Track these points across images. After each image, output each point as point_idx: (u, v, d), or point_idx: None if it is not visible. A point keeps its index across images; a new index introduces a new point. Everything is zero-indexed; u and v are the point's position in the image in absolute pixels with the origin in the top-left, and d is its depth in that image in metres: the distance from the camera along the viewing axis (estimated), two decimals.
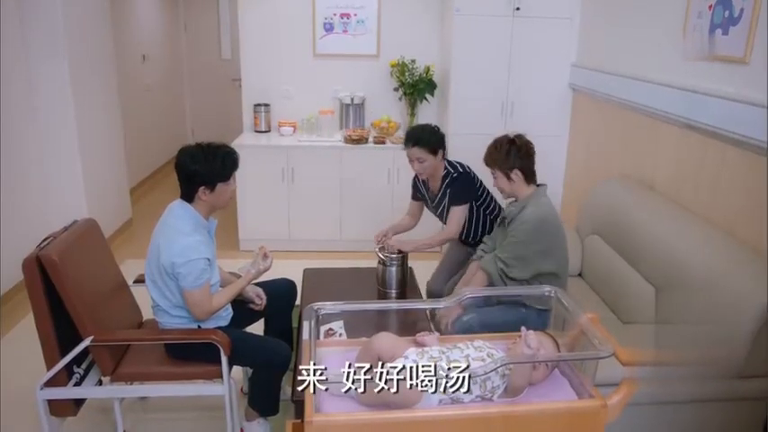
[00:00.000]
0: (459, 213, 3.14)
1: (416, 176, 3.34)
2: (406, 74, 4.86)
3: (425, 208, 3.43)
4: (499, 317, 2.61)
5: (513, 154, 2.61)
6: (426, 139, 3.10)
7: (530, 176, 2.65)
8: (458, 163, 3.22)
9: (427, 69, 4.88)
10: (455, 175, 3.16)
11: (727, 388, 2.29)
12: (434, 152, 3.09)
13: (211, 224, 2.56)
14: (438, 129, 3.18)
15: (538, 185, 2.68)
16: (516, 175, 2.63)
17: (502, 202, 3.03)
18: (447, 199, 3.18)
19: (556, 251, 2.63)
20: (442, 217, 3.27)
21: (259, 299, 2.75)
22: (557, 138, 4.66)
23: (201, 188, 2.38)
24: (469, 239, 3.27)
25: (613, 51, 3.87)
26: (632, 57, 3.59)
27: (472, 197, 3.17)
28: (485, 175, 2.99)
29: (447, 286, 3.24)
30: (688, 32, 2.97)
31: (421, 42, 4.97)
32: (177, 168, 2.39)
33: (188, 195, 2.42)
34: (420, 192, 3.38)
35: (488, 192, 3.24)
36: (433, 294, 3.38)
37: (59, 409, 2.51)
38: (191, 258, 2.32)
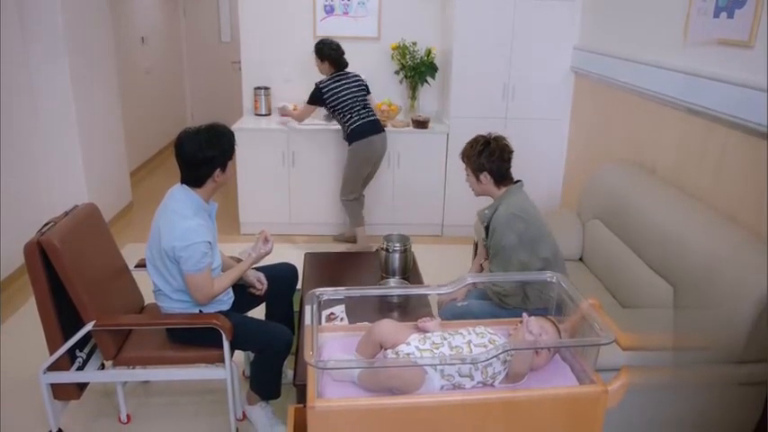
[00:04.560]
0: (301, 107, 4.47)
1: None
2: (408, 56, 4.83)
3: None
4: (492, 312, 2.60)
5: (485, 156, 2.56)
6: (318, 47, 4.26)
7: (500, 180, 2.60)
8: (335, 75, 4.26)
9: (428, 52, 4.84)
10: (317, 81, 4.28)
11: (727, 373, 2.30)
12: (320, 59, 4.26)
13: (212, 207, 2.55)
14: (332, 46, 4.25)
15: (515, 182, 2.63)
16: (485, 177, 2.59)
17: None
18: None
19: (536, 243, 2.53)
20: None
21: (260, 283, 2.75)
22: (558, 121, 4.64)
23: (217, 171, 2.39)
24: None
25: (616, 34, 3.84)
26: (635, 40, 3.56)
27: (316, 102, 4.30)
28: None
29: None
30: (692, 15, 2.94)
31: (422, 25, 4.93)
32: (186, 157, 2.36)
33: (198, 180, 2.41)
34: None
35: (346, 108, 4.24)
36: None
37: (62, 392, 2.53)
38: (192, 242, 2.32)
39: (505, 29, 4.41)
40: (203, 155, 2.35)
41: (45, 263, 2.31)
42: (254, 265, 2.68)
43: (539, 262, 2.53)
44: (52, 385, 2.49)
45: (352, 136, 4.27)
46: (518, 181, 2.65)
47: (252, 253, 2.62)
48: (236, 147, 2.47)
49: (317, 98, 4.27)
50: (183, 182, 2.44)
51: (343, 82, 4.26)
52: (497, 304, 2.60)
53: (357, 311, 2.67)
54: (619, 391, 1.64)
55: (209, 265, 2.41)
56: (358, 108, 4.27)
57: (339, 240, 4.76)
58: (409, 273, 3.13)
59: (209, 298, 2.46)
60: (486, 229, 2.66)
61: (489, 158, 2.56)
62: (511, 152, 2.61)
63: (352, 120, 4.25)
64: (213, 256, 2.46)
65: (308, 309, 1.77)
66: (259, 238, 2.64)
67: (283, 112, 4.71)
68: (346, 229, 4.74)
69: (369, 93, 4.36)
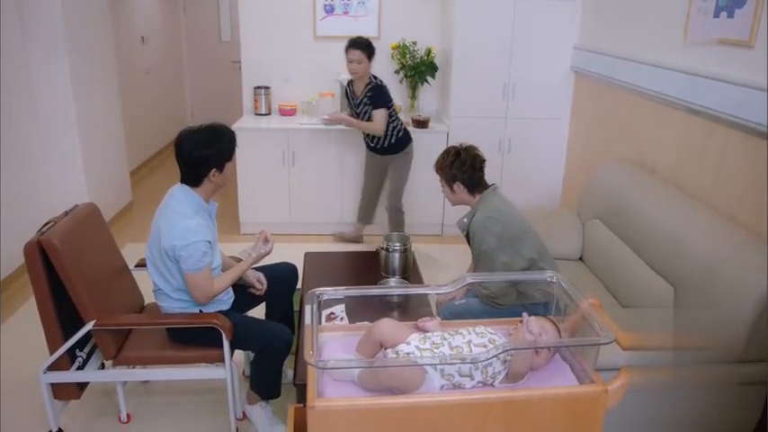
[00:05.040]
0: (380, 114, 4.02)
1: (347, 85, 4.24)
2: (407, 56, 4.83)
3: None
4: (490, 311, 2.61)
5: (457, 166, 2.63)
6: (365, 45, 3.92)
7: (474, 188, 2.67)
8: (378, 78, 4.08)
9: (428, 52, 4.84)
10: (377, 83, 4.02)
11: (726, 372, 2.30)
12: (369, 57, 3.95)
13: (212, 207, 2.56)
14: (371, 42, 4.00)
15: (491, 185, 2.68)
16: (458, 187, 2.66)
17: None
18: (369, 102, 4.02)
19: (517, 243, 2.57)
20: (359, 118, 4.16)
21: (260, 284, 2.75)
22: (558, 121, 4.64)
23: (213, 171, 2.39)
24: (377, 146, 4.22)
25: (616, 34, 3.84)
26: (635, 40, 3.56)
27: (387, 103, 4.02)
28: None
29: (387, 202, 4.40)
30: (692, 15, 2.93)
31: (422, 24, 4.93)
32: (184, 156, 2.37)
33: (196, 179, 2.41)
34: (348, 96, 4.28)
35: (395, 111, 4.13)
36: (366, 198, 4.53)
37: (63, 392, 2.53)
38: (192, 241, 2.32)
39: (505, 29, 4.41)
40: (198, 153, 2.34)
41: (45, 263, 2.31)
42: (254, 265, 2.68)
43: (522, 261, 2.57)
44: (52, 385, 2.49)
45: (404, 140, 4.20)
46: (492, 185, 2.68)
47: (252, 253, 2.62)
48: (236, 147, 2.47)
49: (387, 100, 4.05)
50: (182, 181, 2.44)
51: None
52: (489, 305, 2.61)
53: (357, 311, 2.67)
54: (619, 391, 1.64)
55: (209, 264, 2.41)
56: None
57: (339, 240, 4.76)
58: (409, 273, 3.13)
59: (209, 297, 2.46)
60: (468, 237, 2.69)
61: (461, 169, 2.63)
62: (483, 161, 2.67)
63: (399, 123, 4.18)
64: (213, 255, 2.46)
65: (307, 308, 1.77)
66: (259, 238, 2.64)
67: (345, 121, 4.21)
68: (348, 230, 4.74)
69: None
